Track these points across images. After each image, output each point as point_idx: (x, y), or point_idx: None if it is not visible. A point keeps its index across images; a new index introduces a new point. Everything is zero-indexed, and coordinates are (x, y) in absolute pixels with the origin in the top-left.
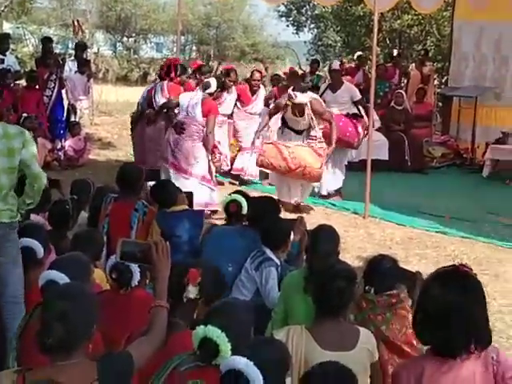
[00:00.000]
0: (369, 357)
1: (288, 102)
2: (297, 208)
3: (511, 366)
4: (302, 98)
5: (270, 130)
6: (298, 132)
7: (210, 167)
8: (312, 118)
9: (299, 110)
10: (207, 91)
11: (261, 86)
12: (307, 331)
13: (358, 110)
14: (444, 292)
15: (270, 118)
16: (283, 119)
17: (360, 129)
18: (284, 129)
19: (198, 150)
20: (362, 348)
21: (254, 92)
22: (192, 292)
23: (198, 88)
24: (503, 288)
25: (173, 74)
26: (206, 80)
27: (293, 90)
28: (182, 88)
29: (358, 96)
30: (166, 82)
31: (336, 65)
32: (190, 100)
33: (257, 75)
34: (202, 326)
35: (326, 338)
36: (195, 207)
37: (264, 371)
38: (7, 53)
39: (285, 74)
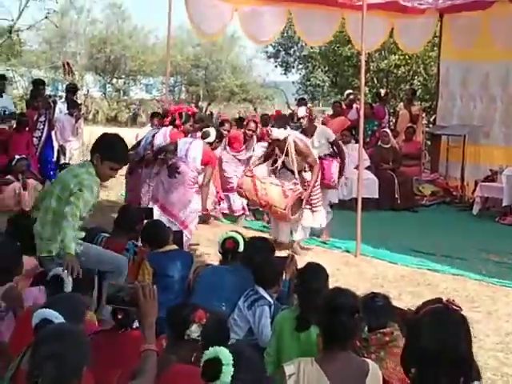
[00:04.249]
0: None
1: (269, 139)
2: (291, 247)
3: None
4: (277, 133)
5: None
6: (294, 172)
7: (192, 215)
8: (293, 160)
9: (281, 148)
10: (207, 140)
11: (254, 136)
12: (317, 365)
13: (333, 149)
14: (436, 331)
15: (265, 160)
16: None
17: (333, 168)
18: (282, 168)
19: (190, 197)
20: None
21: (246, 140)
22: (195, 331)
23: (191, 134)
24: (495, 325)
25: (178, 122)
26: (205, 129)
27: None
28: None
29: (333, 136)
30: (169, 129)
31: (302, 112)
32: (190, 146)
33: (252, 125)
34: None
35: (335, 372)
36: None
37: None
38: (3, 94)
39: (272, 116)
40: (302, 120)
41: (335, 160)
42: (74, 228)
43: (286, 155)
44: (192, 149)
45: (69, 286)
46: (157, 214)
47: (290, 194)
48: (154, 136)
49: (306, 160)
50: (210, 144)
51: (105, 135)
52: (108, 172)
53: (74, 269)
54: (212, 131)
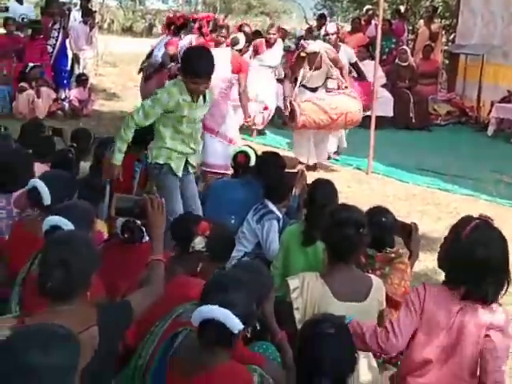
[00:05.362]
0: (378, 306)
1: (302, 54)
2: (314, 167)
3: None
4: (314, 46)
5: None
6: (313, 90)
7: (232, 129)
8: (331, 66)
9: (314, 61)
10: (236, 47)
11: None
12: (321, 279)
13: (356, 72)
14: (488, 242)
15: (292, 82)
16: (295, 78)
17: (367, 89)
18: (299, 88)
19: (224, 109)
20: (373, 299)
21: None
22: (199, 243)
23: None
24: None
25: (205, 30)
26: (233, 36)
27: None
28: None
29: (355, 58)
30: (194, 37)
31: (332, 27)
32: (218, 56)
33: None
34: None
35: (339, 287)
36: (218, 169)
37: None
38: (23, 1)
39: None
40: (330, 36)
41: (366, 84)
42: (123, 139)
43: (317, 69)
44: (219, 58)
45: (47, 199)
46: None
47: (355, 95)
48: (166, 45)
49: (337, 65)
50: (240, 51)
51: (187, 50)
52: (193, 87)
53: (110, 175)
54: (241, 37)
